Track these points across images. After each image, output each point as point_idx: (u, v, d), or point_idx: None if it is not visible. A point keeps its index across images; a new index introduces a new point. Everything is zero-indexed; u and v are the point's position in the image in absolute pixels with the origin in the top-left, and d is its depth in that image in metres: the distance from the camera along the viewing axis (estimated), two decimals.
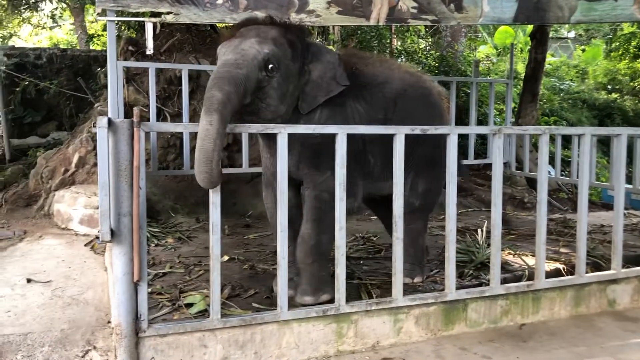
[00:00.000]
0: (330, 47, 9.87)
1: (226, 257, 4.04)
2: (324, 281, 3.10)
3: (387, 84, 3.38)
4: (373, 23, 4.58)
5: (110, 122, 2.40)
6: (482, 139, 7.48)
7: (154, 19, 4.65)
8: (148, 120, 5.21)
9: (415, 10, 4.51)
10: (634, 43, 11.58)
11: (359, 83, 3.25)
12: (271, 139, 2.95)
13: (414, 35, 11.32)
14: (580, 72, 14.15)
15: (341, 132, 2.85)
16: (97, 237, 4.51)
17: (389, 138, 2.99)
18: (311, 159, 3.08)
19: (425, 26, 11.04)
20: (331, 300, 2.99)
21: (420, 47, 11.57)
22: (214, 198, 2.62)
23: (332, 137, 2.86)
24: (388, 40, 9.99)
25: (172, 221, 5.27)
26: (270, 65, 2.82)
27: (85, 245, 4.67)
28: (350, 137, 2.89)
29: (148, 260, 3.94)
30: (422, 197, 3.47)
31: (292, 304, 2.94)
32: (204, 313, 2.87)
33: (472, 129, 3.31)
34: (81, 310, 3.29)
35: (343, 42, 9.70)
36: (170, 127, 3.22)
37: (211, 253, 2.65)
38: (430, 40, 12.15)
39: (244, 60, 2.75)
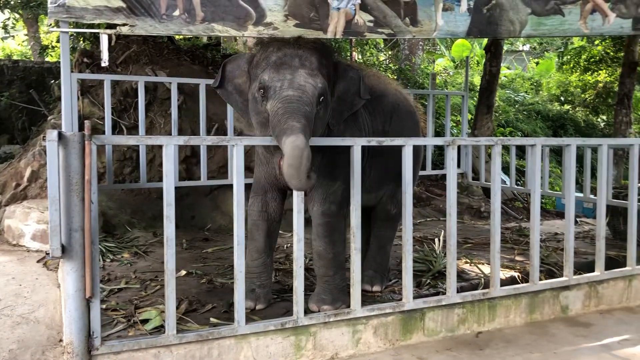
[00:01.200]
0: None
1: (184, 272, 3.98)
2: (343, 291, 3.19)
3: (384, 97, 3.59)
4: (330, 36, 4.61)
5: (60, 135, 2.35)
6: (440, 150, 7.61)
7: (109, 31, 4.57)
8: (104, 133, 5.12)
9: (371, 24, 4.56)
10: (584, 56, 11.97)
11: None
12: (275, 150, 2.99)
13: (372, 49, 11.46)
14: (534, 84, 14.56)
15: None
16: (47, 254, 4.39)
17: (386, 150, 3.19)
18: (323, 170, 3.13)
19: (384, 39, 11.20)
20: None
21: (380, 59, 11.72)
22: (168, 211, 2.58)
23: (346, 148, 3.00)
24: (348, 53, 10.08)
25: (128, 236, 5.16)
26: (321, 98, 2.89)
27: (38, 261, 4.53)
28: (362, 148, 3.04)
29: (103, 276, 3.88)
30: (399, 206, 3.46)
31: (250, 317, 2.91)
32: (160, 329, 2.81)
33: (427, 141, 3.38)
34: (31, 329, 3.18)
35: None
36: (122, 139, 3.19)
37: (166, 268, 2.61)
38: (389, 53, 12.33)
39: (307, 97, 2.80)
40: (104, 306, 3.11)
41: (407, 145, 3.11)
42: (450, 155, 3.26)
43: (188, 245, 4.94)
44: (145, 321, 2.96)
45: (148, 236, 5.16)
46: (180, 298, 3.27)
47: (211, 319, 3.00)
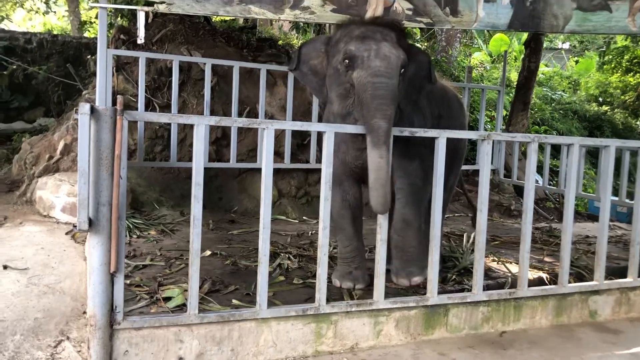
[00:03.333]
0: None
1: (208, 252, 4.00)
2: (426, 262, 3.20)
3: (438, 87, 3.72)
4: None
5: (92, 109, 2.35)
6: (472, 145, 7.48)
7: (146, 8, 4.57)
8: (137, 110, 5.15)
9: (410, 12, 4.48)
10: (626, 57, 11.64)
11: None
12: (359, 136, 3.04)
13: (409, 38, 11.30)
14: (573, 83, 14.20)
15: (329, 131, 2.83)
16: (74, 226, 4.45)
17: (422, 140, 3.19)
18: (401, 150, 3.22)
19: (421, 30, 11.04)
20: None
21: None
22: (196, 191, 2.57)
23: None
24: None
25: (156, 213, 5.21)
26: (402, 70, 3.03)
27: (66, 233, 4.60)
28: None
29: (129, 252, 3.91)
30: (447, 194, 3.64)
31: (272, 302, 2.90)
32: (182, 307, 2.82)
33: (462, 134, 3.30)
34: (57, 300, 3.23)
35: None
36: (154, 117, 3.17)
37: (191, 247, 2.60)
38: (425, 44, 12.15)
39: (391, 68, 2.93)
40: (128, 281, 3.13)
41: (441, 137, 3.04)
42: (485, 150, 3.18)
43: (214, 226, 4.96)
44: (168, 299, 2.97)
45: (175, 215, 5.20)
46: (204, 278, 3.28)
47: (233, 301, 3.00)
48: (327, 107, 3.28)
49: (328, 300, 2.90)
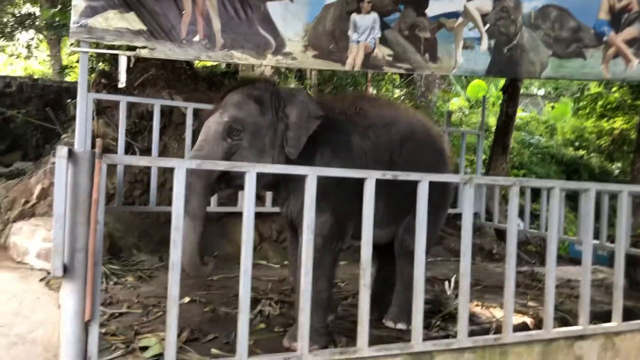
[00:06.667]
0: (308, 91, 9.98)
1: (187, 299, 3.90)
2: (318, 332, 3.02)
3: (394, 125, 3.43)
4: (349, 68, 4.62)
5: (70, 152, 2.31)
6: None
7: (128, 53, 4.61)
8: (116, 153, 5.10)
9: (390, 59, 4.56)
10: (600, 103, 11.97)
11: (365, 123, 3.33)
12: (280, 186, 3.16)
13: (389, 84, 11.50)
14: (549, 127, 14.50)
15: (311, 174, 2.80)
16: (48, 273, 4.32)
17: (397, 183, 2.98)
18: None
19: (400, 76, 11.24)
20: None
21: (395, 96, 11.74)
22: (176, 236, 2.51)
23: (337, 179, 2.90)
24: (364, 88, 10.11)
25: (134, 259, 5.09)
26: (233, 131, 3.01)
27: (41, 280, 4.45)
28: (360, 181, 2.89)
29: (105, 299, 3.80)
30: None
31: (253, 351, 2.81)
32: (159, 357, 2.72)
33: (444, 177, 3.27)
34: (28, 350, 3.09)
35: (319, 87, 9.80)
36: (134, 160, 3.15)
37: (169, 294, 2.52)
38: (405, 90, 12.36)
39: (207, 139, 3.03)
40: (103, 330, 3.03)
41: (423, 181, 3.03)
42: (467, 194, 3.18)
43: None
44: (144, 349, 2.88)
45: (154, 260, 5.09)
46: (182, 326, 3.17)
47: (212, 350, 2.92)
48: None
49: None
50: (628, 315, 3.80)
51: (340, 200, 3.09)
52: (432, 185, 3.04)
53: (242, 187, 2.70)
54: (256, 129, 3.05)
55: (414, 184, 3.00)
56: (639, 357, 3.76)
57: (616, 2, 4.42)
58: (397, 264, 3.63)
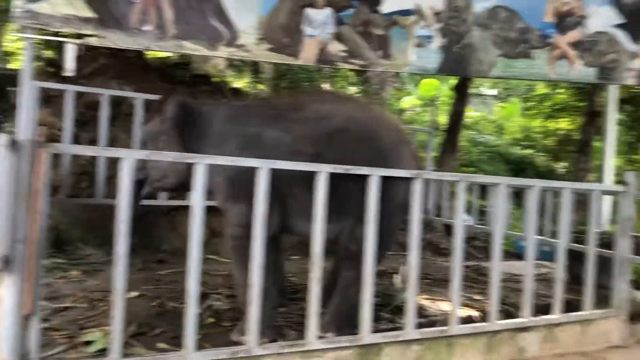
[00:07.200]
0: (261, 86, 9.93)
1: (134, 293, 3.82)
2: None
3: (326, 119, 3.35)
4: (302, 63, 4.63)
5: (12, 140, 2.22)
6: None
7: (76, 41, 4.48)
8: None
9: (344, 54, 4.58)
10: (546, 103, 12.37)
11: (294, 117, 3.32)
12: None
13: (343, 81, 11.56)
14: (498, 127, 14.90)
15: (264, 167, 2.80)
16: None
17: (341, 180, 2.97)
18: (224, 192, 3.29)
19: (355, 73, 11.31)
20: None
21: (349, 92, 11.80)
22: (122, 227, 2.46)
23: (247, 169, 2.84)
24: (319, 84, 10.13)
25: (80, 253, 4.96)
26: (143, 143, 3.60)
27: None
28: (280, 172, 2.88)
29: (48, 294, 3.68)
30: (362, 244, 3.14)
31: (201, 345, 2.78)
32: (104, 352, 2.66)
33: (394, 172, 3.29)
34: None
35: (274, 82, 9.76)
36: (79, 149, 3.06)
37: (115, 287, 2.47)
38: (359, 87, 12.44)
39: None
40: (45, 325, 2.94)
41: (374, 175, 3.06)
42: (417, 189, 3.23)
43: (142, 266, 4.76)
44: (89, 343, 2.81)
45: (100, 254, 4.96)
46: (129, 320, 3.10)
47: (159, 344, 2.87)
48: None
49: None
50: (568, 307, 3.95)
51: (249, 189, 2.96)
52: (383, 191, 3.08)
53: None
54: (162, 140, 3.43)
55: (356, 185, 3.03)
56: (577, 347, 3.92)
57: (561, 5, 4.58)
58: (339, 267, 3.53)
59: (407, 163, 3.41)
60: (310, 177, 2.94)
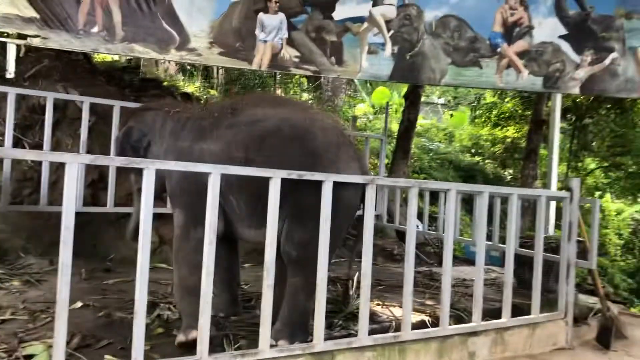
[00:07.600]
0: (212, 91, 9.82)
1: (79, 304, 3.68)
2: (192, 316, 2.96)
3: (260, 122, 3.28)
4: (255, 67, 4.59)
5: None
6: None
7: (18, 41, 4.31)
8: None
9: (297, 60, 4.58)
10: (494, 112, 12.70)
11: (226, 123, 3.32)
12: None
13: (296, 87, 11.57)
14: (448, 135, 15.20)
15: (215, 172, 2.75)
16: None
17: (257, 180, 2.92)
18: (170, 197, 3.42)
19: (308, 80, 11.35)
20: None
21: (303, 99, 11.83)
22: (66, 236, 2.36)
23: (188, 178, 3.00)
24: (271, 89, 10.10)
25: (21, 262, 4.74)
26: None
27: None
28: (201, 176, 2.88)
29: None
30: (302, 248, 3.15)
31: (150, 356, 2.70)
32: None
33: (347, 178, 3.26)
34: None
35: (225, 87, 9.67)
36: (20, 153, 2.92)
37: (58, 297, 2.36)
38: (312, 94, 12.48)
39: None
40: None
41: (328, 181, 3.04)
42: (369, 195, 3.23)
43: (87, 276, 4.59)
44: (30, 357, 2.67)
45: (43, 264, 4.76)
46: (73, 332, 3.00)
47: (106, 357, 2.76)
48: None
49: (211, 352, 2.74)
50: (516, 311, 4.04)
51: (191, 196, 3.24)
52: (303, 186, 3.07)
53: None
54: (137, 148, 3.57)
55: (288, 184, 2.98)
56: (525, 349, 4.01)
57: (509, 16, 4.71)
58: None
59: (345, 164, 3.30)
60: (248, 182, 3.03)
